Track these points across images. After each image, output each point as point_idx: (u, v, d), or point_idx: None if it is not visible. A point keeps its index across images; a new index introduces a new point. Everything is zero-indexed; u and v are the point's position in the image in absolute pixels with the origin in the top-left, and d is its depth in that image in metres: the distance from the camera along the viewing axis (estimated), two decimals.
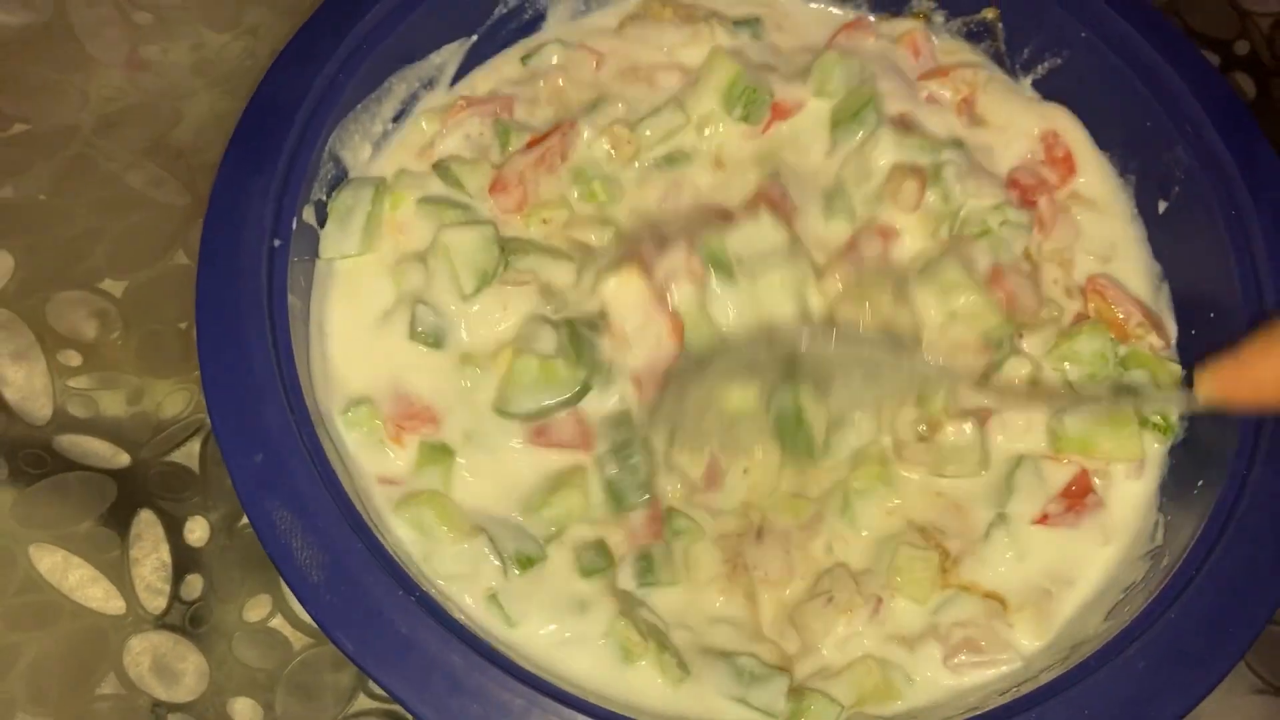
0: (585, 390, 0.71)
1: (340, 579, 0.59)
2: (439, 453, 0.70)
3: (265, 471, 0.62)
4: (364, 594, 0.59)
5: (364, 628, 0.59)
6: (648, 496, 0.71)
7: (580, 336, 0.72)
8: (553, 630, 0.66)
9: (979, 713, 0.61)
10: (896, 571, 0.70)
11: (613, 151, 0.80)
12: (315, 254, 0.74)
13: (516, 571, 0.67)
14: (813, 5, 0.90)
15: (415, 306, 0.73)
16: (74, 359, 0.82)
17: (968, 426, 0.73)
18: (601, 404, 0.72)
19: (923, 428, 0.73)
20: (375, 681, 0.58)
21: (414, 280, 0.74)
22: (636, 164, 0.81)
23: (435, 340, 0.73)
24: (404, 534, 0.67)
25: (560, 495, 0.70)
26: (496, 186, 0.78)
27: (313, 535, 0.60)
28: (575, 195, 0.79)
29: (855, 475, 0.73)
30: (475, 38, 0.83)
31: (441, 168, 0.79)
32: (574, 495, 0.70)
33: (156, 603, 0.75)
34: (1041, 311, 0.78)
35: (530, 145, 0.79)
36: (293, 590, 0.59)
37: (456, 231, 0.74)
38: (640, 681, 0.65)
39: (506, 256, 0.75)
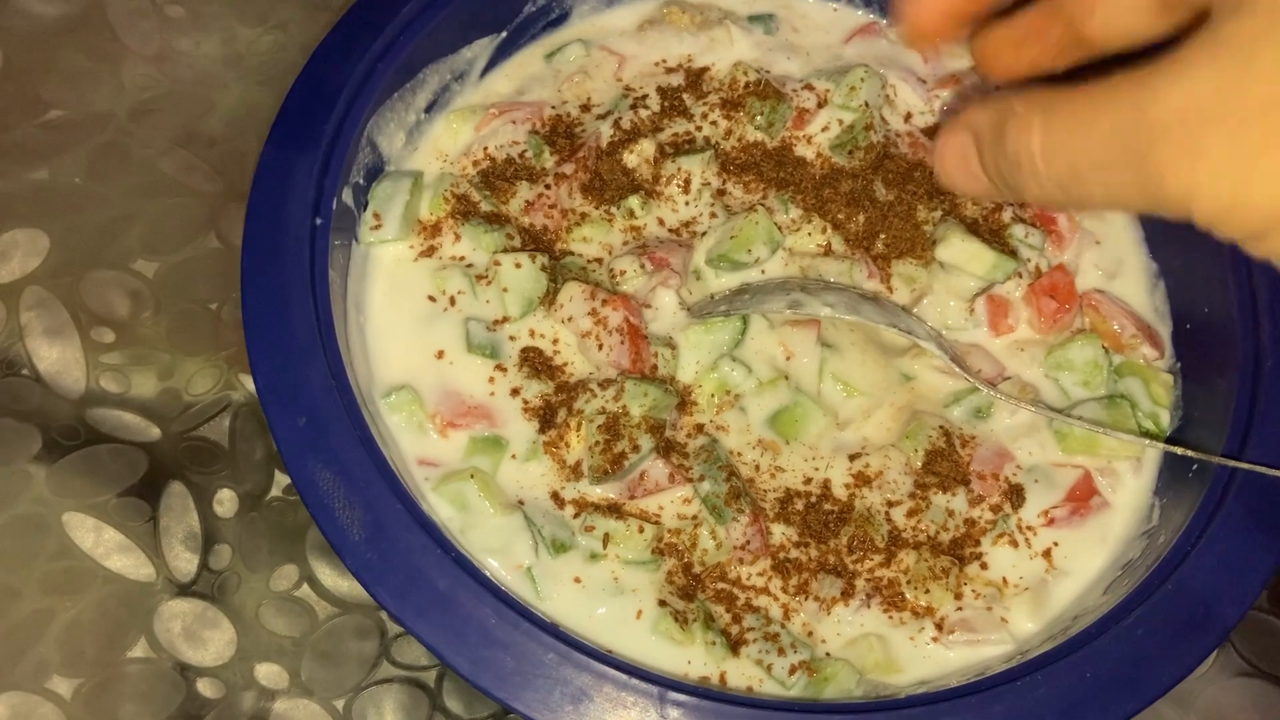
0: (664, 427, 0.72)
1: (380, 537, 0.62)
2: (491, 445, 0.72)
3: (308, 434, 0.64)
4: (403, 551, 0.62)
5: (402, 583, 0.61)
6: (746, 509, 0.71)
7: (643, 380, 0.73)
8: (588, 606, 0.69)
9: (985, 676, 0.64)
10: (920, 578, 0.71)
11: (640, 169, 0.82)
12: (354, 238, 0.77)
13: (550, 555, 0.69)
14: (829, 6, 0.93)
15: (467, 323, 0.75)
16: (107, 336, 0.84)
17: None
18: (680, 430, 0.74)
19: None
20: (411, 633, 0.61)
21: (454, 287, 0.76)
22: (662, 175, 0.82)
23: (492, 352, 0.75)
24: (442, 510, 0.69)
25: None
26: (535, 206, 0.80)
27: (354, 495, 0.62)
28: (618, 215, 0.81)
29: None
30: (504, 34, 0.86)
31: (480, 183, 0.80)
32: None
33: (186, 571, 0.77)
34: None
35: (561, 161, 0.81)
36: (333, 546, 0.62)
37: (511, 259, 0.75)
38: (680, 655, 0.68)
39: (554, 285, 0.76)
